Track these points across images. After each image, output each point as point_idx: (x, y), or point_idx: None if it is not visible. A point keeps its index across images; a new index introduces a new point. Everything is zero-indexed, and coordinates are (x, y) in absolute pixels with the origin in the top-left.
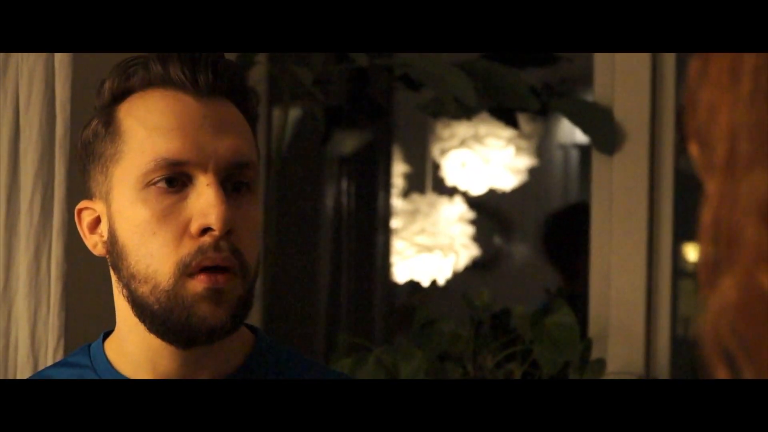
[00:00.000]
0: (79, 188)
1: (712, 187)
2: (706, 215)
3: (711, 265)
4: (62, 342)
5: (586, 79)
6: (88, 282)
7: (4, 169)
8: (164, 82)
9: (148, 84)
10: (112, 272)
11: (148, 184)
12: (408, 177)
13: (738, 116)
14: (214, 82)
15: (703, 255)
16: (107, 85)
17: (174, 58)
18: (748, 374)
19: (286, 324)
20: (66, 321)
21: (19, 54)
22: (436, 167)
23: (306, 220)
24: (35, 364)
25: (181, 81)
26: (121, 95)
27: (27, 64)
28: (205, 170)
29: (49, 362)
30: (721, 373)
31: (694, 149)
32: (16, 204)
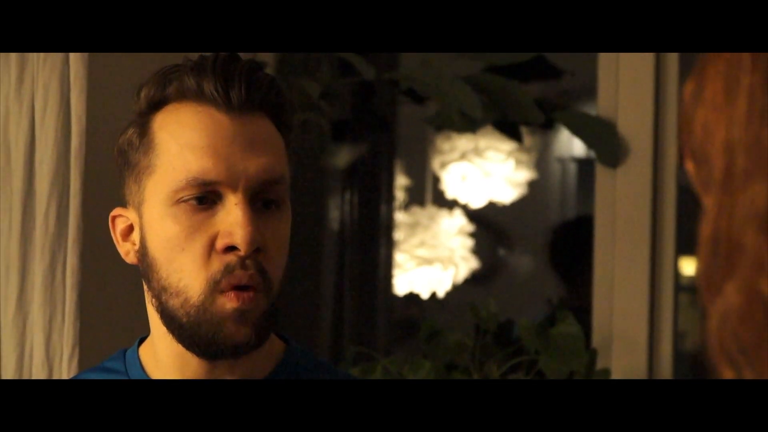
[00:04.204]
0: (94, 198)
1: (709, 201)
2: (705, 228)
3: (711, 275)
4: (77, 350)
5: (588, 93)
6: (102, 291)
7: (20, 179)
8: (198, 97)
9: (182, 96)
10: (143, 281)
11: (179, 201)
12: (408, 190)
13: (735, 134)
14: (246, 98)
15: (703, 265)
16: (144, 93)
17: (208, 72)
18: (747, 376)
19: (291, 334)
20: (81, 330)
21: (35, 65)
22: (436, 180)
23: (310, 231)
24: (50, 372)
25: (214, 97)
26: (156, 104)
27: (43, 76)
28: (234, 189)
29: (64, 370)
30: (727, 375)
31: (690, 166)
32: (32, 213)
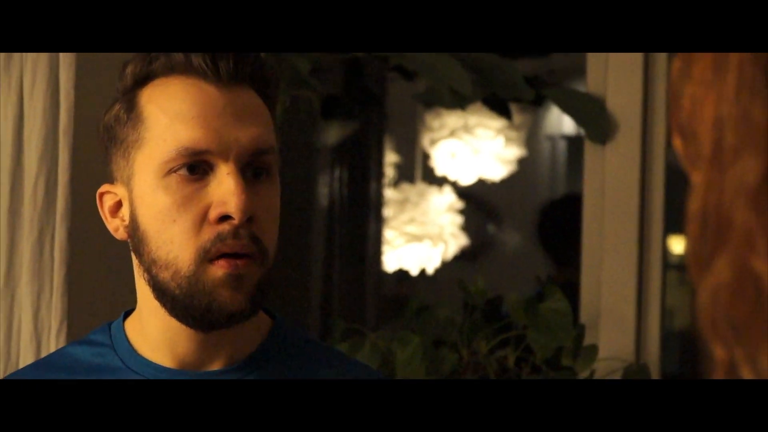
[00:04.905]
0: (83, 173)
1: (698, 177)
2: (694, 203)
3: (700, 251)
4: (65, 325)
5: (578, 70)
6: (90, 266)
7: (8, 154)
8: (186, 70)
9: (170, 70)
10: (133, 256)
11: (170, 172)
12: (397, 166)
13: (724, 110)
14: (234, 70)
15: (692, 242)
16: (129, 69)
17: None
18: (737, 353)
19: (280, 310)
20: (69, 305)
21: None
22: (426, 157)
23: (299, 207)
24: (38, 347)
25: (203, 69)
26: (143, 80)
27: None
28: (225, 159)
29: (52, 345)
30: (719, 351)
31: (678, 142)
32: (20, 189)
